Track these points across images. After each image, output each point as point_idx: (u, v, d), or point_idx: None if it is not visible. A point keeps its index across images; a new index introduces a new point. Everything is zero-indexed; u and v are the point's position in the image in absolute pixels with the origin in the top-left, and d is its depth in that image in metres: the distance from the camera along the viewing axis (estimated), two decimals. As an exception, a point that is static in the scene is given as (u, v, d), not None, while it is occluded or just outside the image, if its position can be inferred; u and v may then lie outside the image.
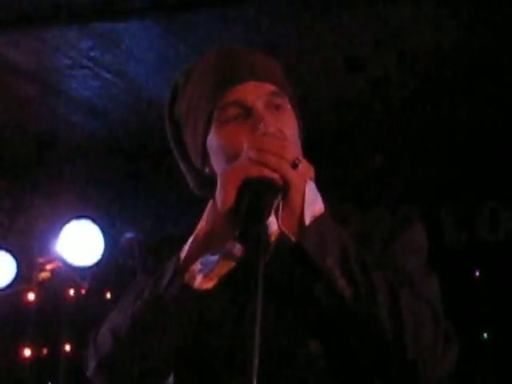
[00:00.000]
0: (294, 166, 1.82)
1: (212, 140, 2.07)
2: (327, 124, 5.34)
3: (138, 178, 6.34)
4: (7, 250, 6.67)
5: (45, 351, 7.18)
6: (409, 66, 5.50)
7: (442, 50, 5.45)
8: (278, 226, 1.89)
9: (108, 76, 5.57)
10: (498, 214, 6.47)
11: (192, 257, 1.94)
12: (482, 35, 5.42)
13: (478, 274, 6.45)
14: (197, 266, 1.93)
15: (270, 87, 2.07)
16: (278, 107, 2.06)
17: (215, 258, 1.95)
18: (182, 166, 2.25)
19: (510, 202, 6.48)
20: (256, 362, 1.58)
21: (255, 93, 2.05)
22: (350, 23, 4.96)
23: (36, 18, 4.92)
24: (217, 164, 2.08)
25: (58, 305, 6.91)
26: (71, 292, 6.97)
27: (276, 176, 1.80)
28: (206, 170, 2.13)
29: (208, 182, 2.14)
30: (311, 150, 2.08)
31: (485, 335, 6.27)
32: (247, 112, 2.02)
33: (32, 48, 5.25)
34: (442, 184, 6.29)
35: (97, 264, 6.51)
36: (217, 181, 2.00)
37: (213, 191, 2.02)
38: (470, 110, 5.89)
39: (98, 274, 6.62)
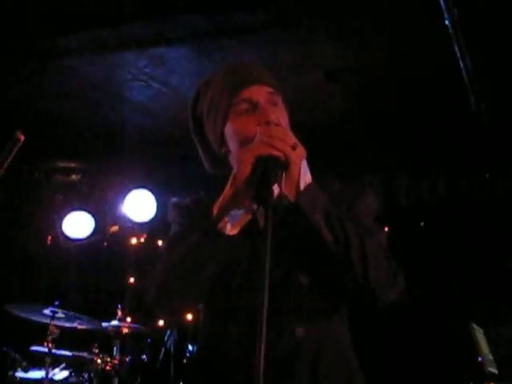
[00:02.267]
0: (294, 148, 2.07)
1: (229, 128, 2.33)
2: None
3: (179, 159, 6.52)
4: (88, 212, 7.38)
5: (115, 283, 7.48)
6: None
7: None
8: (280, 190, 2.12)
9: (157, 86, 6.10)
10: (437, 182, 6.65)
11: (222, 212, 2.16)
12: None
13: (422, 224, 6.77)
14: (226, 218, 2.17)
15: (269, 89, 2.35)
16: (274, 103, 2.33)
17: (238, 212, 2.19)
18: (200, 150, 2.52)
19: (447, 174, 6.66)
20: (267, 291, 1.74)
21: (259, 93, 2.32)
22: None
23: (107, 45, 5.38)
24: (232, 146, 2.34)
25: (123, 250, 7.46)
26: (133, 240, 7.47)
27: (281, 155, 2.05)
28: (223, 151, 2.39)
29: (221, 162, 2.44)
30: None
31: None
32: (254, 107, 2.29)
33: (104, 67, 5.80)
34: (396, 161, 6.53)
35: (151, 220, 7.06)
36: (230, 159, 2.38)
37: (224, 169, 2.38)
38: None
39: (152, 228, 7.17)
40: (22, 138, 2.95)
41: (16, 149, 2.93)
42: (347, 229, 2.15)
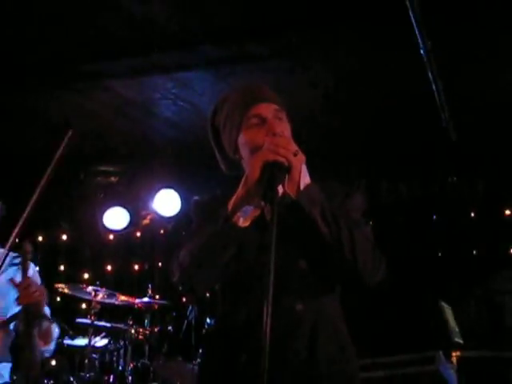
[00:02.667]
0: (295, 154, 2.09)
1: (242, 138, 2.33)
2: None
3: (199, 164, 6.35)
4: (124, 207, 7.36)
5: (146, 266, 7.72)
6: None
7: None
8: (283, 190, 2.13)
9: (182, 104, 6.05)
10: (412, 184, 6.69)
11: (235, 208, 2.17)
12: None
13: (401, 219, 6.77)
14: (239, 213, 2.18)
15: (275, 106, 2.33)
16: (280, 118, 2.32)
17: (249, 208, 2.20)
18: (217, 155, 2.50)
19: (421, 178, 6.71)
20: (272, 274, 1.80)
21: (267, 110, 2.32)
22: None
23: (141, 70, 5.42)
24: (244, 152, 2.34)
25: (153, 239, 7.56)
26: (161, 231, 7.58)
27: (284, 160, 2.07)
28: (236, 157, 2.38)
29: (234, 166, 2.42)
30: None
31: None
32: (263, 121, 2.29)
33: (139, 88, 5.84)
34: (378, 167, 6.52)
35: (176, 215, 7.03)
36: (242, 164, 2.37)
37: (238, 171, 2.36)
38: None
39: (177, 221, 7.13)
40: (72, 132, 2.91)
41: (67, 141, 2.91)
42: (339, 222, 2.15)
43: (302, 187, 2.15)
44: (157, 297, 6.06)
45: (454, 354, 5.36)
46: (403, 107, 5.92)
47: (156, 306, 6.02)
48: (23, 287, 3.05)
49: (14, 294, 3.20)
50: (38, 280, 3.41)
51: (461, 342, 5.74)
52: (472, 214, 6.77)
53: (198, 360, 5.55)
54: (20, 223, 3.04)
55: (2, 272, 3.24)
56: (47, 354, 3.52)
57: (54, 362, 6.23)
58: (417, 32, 4.45)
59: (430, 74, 5.04)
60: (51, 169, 2.96)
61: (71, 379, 5.71)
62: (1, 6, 4.55)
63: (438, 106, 5.55)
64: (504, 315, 6.47)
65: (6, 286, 3.24)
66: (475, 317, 6.58)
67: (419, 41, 4.55)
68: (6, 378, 3.19)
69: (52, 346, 3.46)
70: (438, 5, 4.34)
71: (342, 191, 2.39)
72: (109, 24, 4.81)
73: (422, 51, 4.69)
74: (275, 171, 2.06)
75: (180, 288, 2.31)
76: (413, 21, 4.33)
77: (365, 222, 2.33)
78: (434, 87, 5.23)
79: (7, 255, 3.10)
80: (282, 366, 2.11)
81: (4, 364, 3.17)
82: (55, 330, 3.42)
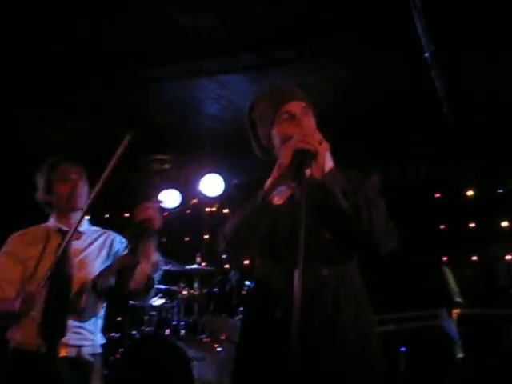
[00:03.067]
0: (320, 143, 2.13)
1: (275, 130, 2.35)
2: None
3: (239, 152, 5.52)
4: (176, 189, 7.35)
5: (194, 238, 7.57)
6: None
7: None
8: (311, 173, 2.13)
9: (224, 102, 5.99)
10: (418, 167, 6.73)
11: (271, 188, 2.20)
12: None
13: (409, 198, 6.40)
14: (274, 193, 2.20)
15: (302, 104, 2.36)
16: (306, 114, 2.34)
17: (282, 188, 2.22)
18: (254, 144, 2.51)
19: (426, 162, 6.71)
20: (302, 243, 1.83)
21: (296, 107, 2.33)
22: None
23: (190, 73, 5.38)
24: (276, 143, 2.36)
25: (201, 216, 7.52)
26: (207, 209, 7.53)
27: (311, 148, 2.09)
28: (269, 145, 2.41)
29: (268, 152, 2.44)
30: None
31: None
32: (293, 117, 2.32)
33: (188, 89, 5.75)
34: (391, 154, 6.51)
35: (220, 195, 7.02)
36: (274, 151, 2.39)
37: (270, 156, 2.40)
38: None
39: (220, 201, 7.16)
40: (130, 138, 2.91)
41: (125, 145, 2.89)
42: (358, 199, 2.18)
43: (326, 170, 2.18)
44: (203, 264, 5.99)
45: (454, 311, 5.34)
46: (410, 103, 5.76)
47: (203, 271, 5.99)
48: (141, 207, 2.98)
49: (101, 262, 3.18)
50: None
51: (460, 301, 5.71)
52: (469, 193, 6.69)
53: (239, 316, 5.59)
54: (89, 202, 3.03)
55: (92, 243, 3.22)
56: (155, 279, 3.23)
57: (119, 318, 6.30)
58: (422, 37, 4.39)
59: (433, 73, 4.96)
60: (112, 165, 2.96)
61: (134, 333, 5.75)
62: (85, 23, 4.62)
63: (440, 101, 5.47)
64: (496, 278, 6.51)
65: (95, 252, 3.19)
66: (472, 279, 6.53)
67: (424, 45, 4.50)
68: (97, 333, 3.12)
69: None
70: (441, 13, 4.23)
71: (360, 174, 2.41)
72: (164, 35, 4.79)
73: (426, 53, 4.62)
74: (304, 157, 2.09)
75: (224, 256, 2.52)
76: (419, 28, 4.26)
77: (380, 199, 2.34)
78: (436, 84, 5.16)
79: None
80: (311, 318, 2.11)
81: (93, 320, 3.09)
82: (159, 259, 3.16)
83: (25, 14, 4.47)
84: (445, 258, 6.55)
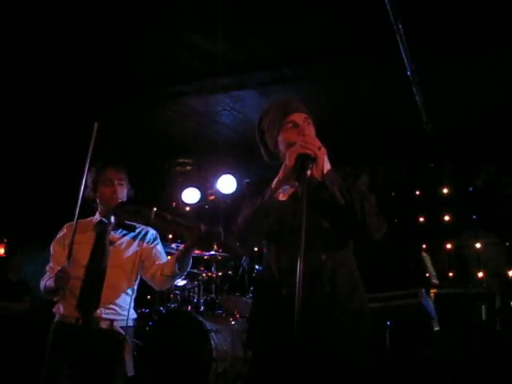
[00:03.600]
0: (319, 148, 2.10)
1: (280, 137, 2.33)
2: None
3: (250, 157, 5.58)
4: (196, 188, 7.25)
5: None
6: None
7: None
8: (311, 173, 2.11)
9: (237, 114, 6.00)
10: (401, 168, 6.72)
11: (276, 187, 2.19)
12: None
13: (393, 194, 6.75)
14: (279, 190, 2.20)
15: (305, 115, 2.33)
16: (308, 123, 2.32)
17: (287, 187, 2.22)
18: (262, 149, 2.48)
19: (407, 164, 6.74)
20: (304, 233, 1.84)
21: (299, 118, 2.31)
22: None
23: (207, 89, 5.41)
24: (282, 148, 2.33)
25: (217, 209, 7.34)
26: (223, 204, 7.26)
27: (311, 153, 2.08)
28: (276, 151, 2.37)
29: (274, 157, 2.40)
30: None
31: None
32: (296, 126, 2.29)
33: (205, 102, 5.73)
34: (377, 157, 6.50)
35: (233, 193, 6.90)
36: (280, 156, 2.35)
37: (276, 161, 2.36)
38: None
39: (233, 197, 6.95)
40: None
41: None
42: (352, 194, 2.17)
43: (325, 171, 2.16)
44: (220, 250, 5.93)
45: (432, 291, 5.37)
46: (394, 113, 5.81)
47: (219, 257, 5.96)
48: None
49: (132, 250, 3.17)
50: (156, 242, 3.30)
51: (437, 282, 5.71)
52: (444, 191, 6.66)
53: (250, 295, 5.59)
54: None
55: (126, 234, 3.21)
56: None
57: (148, 297, 6.31)
58: (404, 58, 4.39)
59: (413, 88, 4.96)
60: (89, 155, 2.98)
61: (161, 308, 5.75)
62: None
63: (420, 112, 5.47)
64: (467, 263, 6.49)
65: (127, 242, 3.19)
66: (447, 264, 6.54)
67: (406, 64, 4.50)
68: (128, 309, 3.09)
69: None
70: (421, 36, 4.24)
71: (353, 173, 2.38)
72: (185, 57, 4.83)
73: (408, 72, 4.63)
74: (305, 160, 2.08)
75: (237, 243, 2.36)
76: (401, 49, 4.26)
77: (370, 194, 2.32)
78: (417, 98, 5.15)
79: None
80: (311, 295, 2.09)
81: (123, 297, 3.08)
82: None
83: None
84: (424, 246, 6.51)
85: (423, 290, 4.81)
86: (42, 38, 4.49)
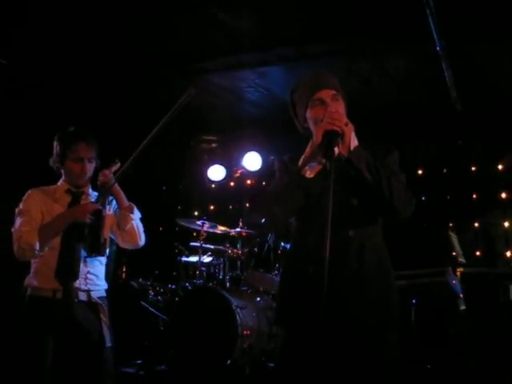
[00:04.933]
0: (346, 124, 2.11)
1: (308, 113, 2.31)
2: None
3: (275, 133, 6.41)
4: (222, 165, 7.37)
5: (237, 206, 7.62)
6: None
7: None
8: (338, 150, 2.13)
9: (262, 90, 5.94)
10: (429, 145, 6.65)
11: (304, 164, 2.21)
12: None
13: (420, 172, 6.70)
14: (306, 167, 2.21)
15: (332, 91, 2.29)
16: (336, 100, 2.28)
17: (314, 163, 2.21)
18: (296, 122, 2.44)
19: (437, 142, 6.67)
20: (330, 209, 1.87)
21: (326, 94, 2.28)
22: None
23: (233, 66, 5.38)
24: (310, 124, 2.31)
25: (242, 187, 7.56)
26: (249, 181, 7.58)
27: (338, 129, 2.09)
28: (305, 125, 2.35)
29: (305, 129, 2.36)
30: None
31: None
32: (323, 102, 2.26)
33: (231, 79, 5.76)
34: (405, 134, 6.36)
35: (258, 170, 7.00)
36: (310, 129, 2.31)
37: (308, 134, 2.31)
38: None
39: (258, 174, 7.13)
40: (193, 91, 2.61)
41: (188, 99, 2.62)
42: (379, 171, 2.14)
43: (351, 148, 2.14)
44: (245, 227, 5.99)
45: (458, 269, 5.27)
46: (422, 89, 5.72)
47: (245, 234, 5.99)
48: None
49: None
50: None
51: (464, 261, 5.67)
52: (473, 168, 6.59)
53: (275, 272, 5.63)
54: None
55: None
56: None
57: (174, 273, 6.38)
58: (434, 33, 4.33)
59: (443, 64, 4.88)
60: (170, 115, 2.70)
61: (187, 284, 5.82)
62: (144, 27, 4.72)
63: (449, 87, 5.38)
64: (494, 242, 6.43)
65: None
66: (474, 243, 6.48)
67: (435, 38, 4.43)
68: (102, 279, 3.05)
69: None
70: (450, 10, 4.14)
71: (383, 151, 2.35)
72: (211, 35, 4.81)
73: (437, 48, 4.56)
74: (332, 137, 2.08)
75: (263, 220, 2.44)
76: (431, 25, 4.20)
77: (400, 171, 2.30)
78: (445, 74, 5.07)
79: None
80: (338, 272, 2.08)
81: (98, 267, 3.04)
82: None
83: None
84: (451, 224, 6.48)
85: (450, 269, 4.84)
86: (68, 14, 4.51)
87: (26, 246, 2.82)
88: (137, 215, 3.11)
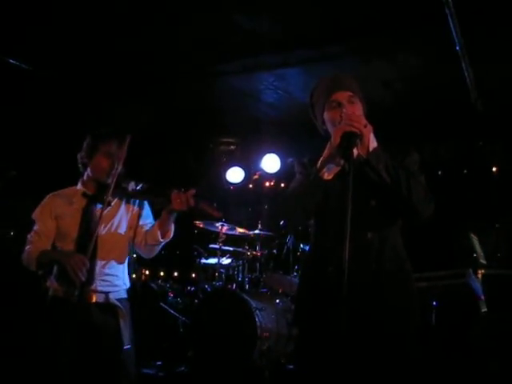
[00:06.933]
0: (365, 126, 2.10)
1: (325, 115, 2.32)
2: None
3: (293, 135, 6.54)
4: (240, 167, 7.43)
5: (256, 208, 7.49)
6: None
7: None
8: (357, 152, 2.14)
9: (280, 92, 5.90)
10: (448, 146, 6.62)
11: (322, 165, 2.20)
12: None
13: (439, 173, 6.71)
14: (324, 169, 2.20)
15: (349, 93, 2.29)
16: (352, 102, 2.28)
17: (332, 165, 2.21)
18: (316, 123, 2.43)
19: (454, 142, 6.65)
20: (350, 210, 1.87)
21: (342, 96, 2.28)
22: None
23: (250, 68, 5.35)
24: (328, 126, 2.32)
25: (261, 189, 7.53)
26: (267, 183, 7.54)
27: (357, 131, 2.08)
28: (324, 127, 2.36)
29: (325, 131, 2.36)
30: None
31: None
32: (339, 104, 2.27)
33: (249, 81, 5.73)
34: (424, 135, 6.37)
35: (277, 172, 7.06)
36: (328, 131, 2.32)
37: (328, 135, 2.29)
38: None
39: (277, 176, 7.19)
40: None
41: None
42: (398, 172, 2.14)
43: (370, 149, 2.14)
44: (264, 229, 6.00)
45: (479, 271, 5.19)
46: (442, 89, 5.67)
47: (263, 235, 6.00)
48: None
49: (124, 224, 3.08)
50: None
51: (485, 262, 5.57)
52: (494, 169, 6.56)
53: (294, 274, 5.62)
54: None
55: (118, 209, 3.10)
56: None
57: (193, 275, 6.40)
58: (453, 32, 4.29)
59: (463, 64, 4.84)
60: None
61: (206, 286, 5.84)
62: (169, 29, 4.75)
63: (469, 87, 5.34)
64: (516, 243, 6.32)
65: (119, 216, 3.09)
66: (495, 244, 6.29)
67: (455, 38, 4.40)
68: (123, 280, 3.05)
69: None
70: (470, 10, 4.11)
71: (402, 152, 2.34)
72: (229, 37, 4.83)
73: (457, 47, 4.53)
74: (351, 138, 2.07)
75: (282, 222, 2.37)
76: (451, 24, 4.17)
77: (420, 173, 2.29)
78: (465, 73, 5.03)
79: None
80: (357, 274, 2.05)
81: (117, 267, 3.03)
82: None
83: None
84: (471, 226, 6.27)
85: (470, 271, 4.81)
86: (85, 16, 4.56)
87: (26, 264, 2.94)
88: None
